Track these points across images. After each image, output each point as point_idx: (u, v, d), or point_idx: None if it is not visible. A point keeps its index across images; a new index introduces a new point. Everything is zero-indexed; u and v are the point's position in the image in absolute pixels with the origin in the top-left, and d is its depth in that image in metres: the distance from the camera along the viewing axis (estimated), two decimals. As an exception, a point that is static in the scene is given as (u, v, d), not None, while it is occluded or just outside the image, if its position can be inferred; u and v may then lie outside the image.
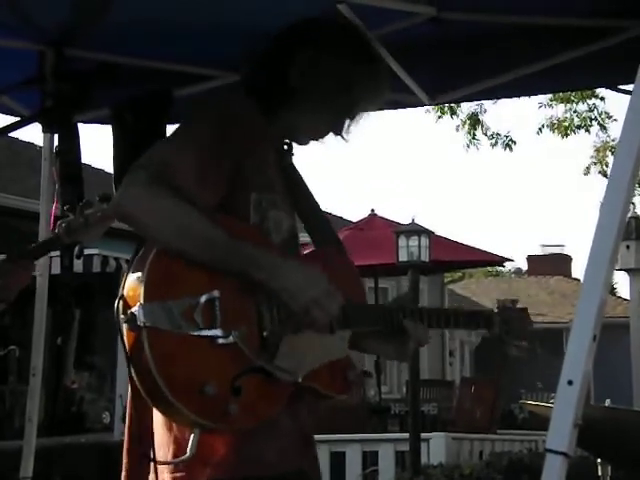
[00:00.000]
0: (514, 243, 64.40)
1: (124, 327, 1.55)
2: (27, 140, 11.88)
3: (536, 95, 7.28)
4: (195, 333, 1.55)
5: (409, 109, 3.45)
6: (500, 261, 12.95)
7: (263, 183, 1.77)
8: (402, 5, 2.82)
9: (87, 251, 3.98)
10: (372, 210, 11.20)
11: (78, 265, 8.13)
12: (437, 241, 9.21)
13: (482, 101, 8.94)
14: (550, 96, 9.65)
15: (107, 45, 3.06)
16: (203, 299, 1.57)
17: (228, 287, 1.60)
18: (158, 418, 1.69)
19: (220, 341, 1.57)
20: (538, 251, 25.79)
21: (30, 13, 2.90)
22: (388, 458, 8.08)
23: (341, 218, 16.21)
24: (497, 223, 68.13)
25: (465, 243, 11.04)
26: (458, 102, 6.94)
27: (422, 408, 8.81)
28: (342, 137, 1.88)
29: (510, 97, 3.73)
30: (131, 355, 1.54)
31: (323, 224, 1.98)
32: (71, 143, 3.60)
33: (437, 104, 3.44)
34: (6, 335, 9.04)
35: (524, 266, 27.24)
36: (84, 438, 7.46)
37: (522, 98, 4.04)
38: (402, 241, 8.44)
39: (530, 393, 16.20)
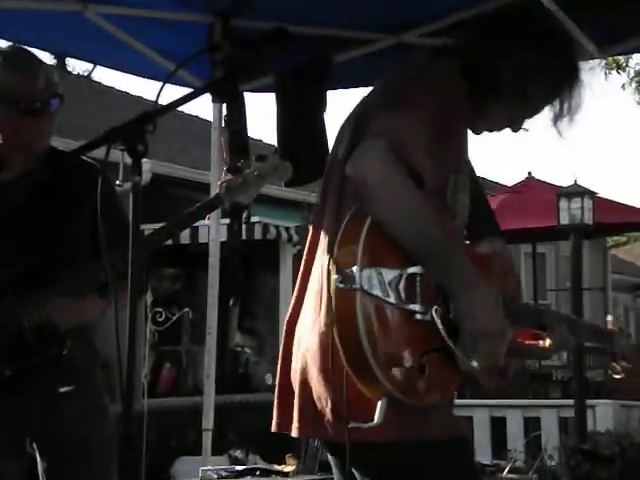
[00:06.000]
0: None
1: (336, 286, 1.57)
2: (192, 113, 12.37)
3: None
4: (401, 305, 1.58)
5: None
6: (669, 223, 12.27)
7: (459, 165, 1.80)
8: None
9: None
10: (529, 173, 10.89)
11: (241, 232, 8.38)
12: (600, 203, 8.84)
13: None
14: None
15: (270, 14, 3.13)
16: (408, 272, 1.59)
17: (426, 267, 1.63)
18: (314, 374, 1.68)
19: (418, 317, 1.59)
20: None
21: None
22: (551, 424, 7.92)
23: (497, 183, 15.88)
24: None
25: (631, 205, 10.56)
26: (628, 53, 6.56)
27: (586, 375, 8.55)
28: (515, 131, 1.90)
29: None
30: (339, 315, 1.56)
31: (487, 214, 1.99)
32: (238, 112, 3.73)
33: (606, 56, 3.28)
34: (178, 299, 9.52)
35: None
36: (252, 397, 7.75)
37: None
38: (564, 203, 8.15)
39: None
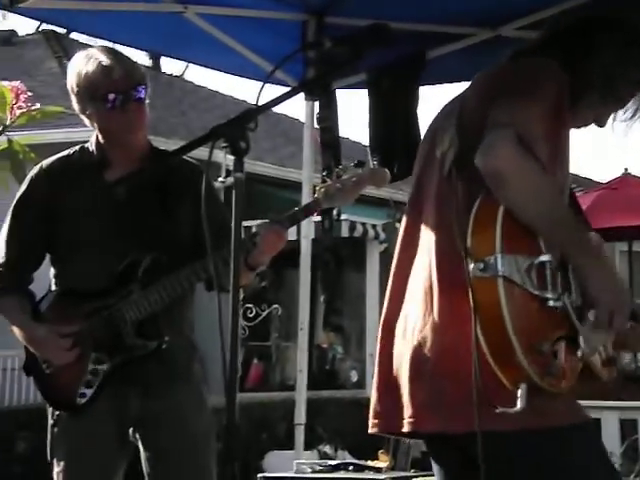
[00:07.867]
0: None
1: (475, 275, 1.58)
2: (279, 112, 12.49)
3: None
4: (535, 292, 1.60)
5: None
6: None
7: (567, 160, 1.78)
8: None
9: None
10: (625, 169, 10.58)
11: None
12: (700, 200, 8.51)
13: None
14: None
15: (364, 11, 3.13)
16: (539, 260, 1.61)
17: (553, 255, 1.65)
18: (434, 368, 1.68)
19: (550, 303, 1.61)
20: None
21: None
22: (649, 428, 7.67)
23: (590, 180, 15.49)
24: None
25: None
26: None
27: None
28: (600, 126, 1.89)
29: None
30: (481, 303, 1.57)
31: (577, 213, 1.97)
32: (330, 110, 3.75)
33: None
34: (267, 296, 9.63)
35: None
36: (339, 394, 7.78)
37: None
38: (662, 200, 7.88)
39: None
